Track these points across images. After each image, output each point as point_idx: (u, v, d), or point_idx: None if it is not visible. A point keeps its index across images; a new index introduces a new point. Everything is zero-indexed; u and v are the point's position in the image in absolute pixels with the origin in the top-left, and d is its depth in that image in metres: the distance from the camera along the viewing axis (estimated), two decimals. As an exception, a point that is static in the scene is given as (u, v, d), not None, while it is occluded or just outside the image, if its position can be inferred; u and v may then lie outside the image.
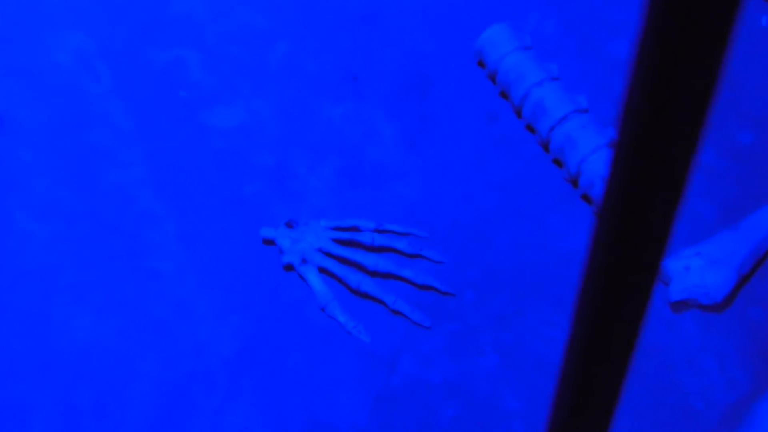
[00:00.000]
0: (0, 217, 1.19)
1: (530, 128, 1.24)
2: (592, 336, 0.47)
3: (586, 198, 1.20)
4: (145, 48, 1.31)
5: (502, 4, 1.34)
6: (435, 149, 1.24)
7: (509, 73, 1.24)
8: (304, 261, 1.15)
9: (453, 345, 1.11)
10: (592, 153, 1.17)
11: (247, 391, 1.09)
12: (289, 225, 1.17)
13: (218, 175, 1.22)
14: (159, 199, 1.20)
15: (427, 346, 1.11)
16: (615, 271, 0.44)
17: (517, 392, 1.08)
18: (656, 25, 0.35)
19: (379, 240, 1.17)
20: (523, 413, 1.07)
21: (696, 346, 1.11)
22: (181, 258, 1.16)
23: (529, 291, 1.14)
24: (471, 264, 1.16)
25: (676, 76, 0.36)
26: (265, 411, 1.08)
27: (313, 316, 1.13)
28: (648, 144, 0.38)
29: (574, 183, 1.20)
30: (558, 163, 1.22)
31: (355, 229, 1.18)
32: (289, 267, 1.16)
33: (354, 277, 1.14)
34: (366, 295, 1.14)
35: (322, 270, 1.16)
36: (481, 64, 1.29)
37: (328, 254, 1.16)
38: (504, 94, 1.27)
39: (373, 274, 1.15)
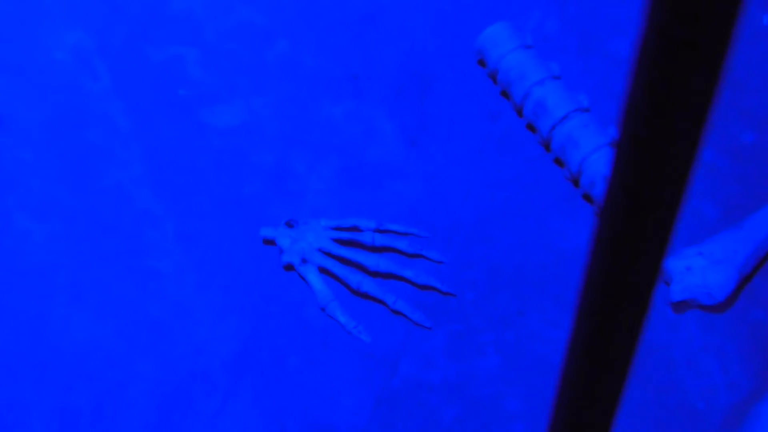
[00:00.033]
0: (-2, 216, 1.19)
1: (531, 127, 1.24)
2: (593, 336, 0.47)
3: (587, 197, 1.19)
4: (144, 46, 1.31)
5: (502, 2, 1.34)
6: (435, 149, 1.24)
7: (510, 72, 1.24)
8: (304, 261, 1.15)
9: (454, 345, 1.11)
10: (593, 152, 1.17)
11: (247, 391, 1.08)
12: (289, 224, 1.17)
13: (217, 174, 1.22)
14: (158, 198, 1.20)
15: (428, 346, 1.11)
16: (616, 271, 0.44)
17: (518, 393, 1.08)
18: (658, 24, 0.35)
19: (380, 240, 1.17)
20: (525, 414, 1.07)
21: (697, 346, 1.11)
22: (180, 258, 1.16)
23: (531, 291, 1.14)
24: (472, 264, 1.16)
25: (678, 74, 0.36)
26: (265, 412, 1.07)
27: (313, 316, 1.13)
28: (650, 143, 0.38)
29: (576, 182, 1.20)
30: (559, 162, 1.22)
31: (356, 228, 1.17)
32: (289, 267, 1.16)
33: (354, 277, 1.14)
34: (366, 296, 1.14)
35: (323, 270, 1.15)
36: (481, 62, 1.29)
37: (329, 254, 1.16)
38: (505, 93, 1.27)
39: (374, 274, 1.15)
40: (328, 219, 1.18)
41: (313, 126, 1.25)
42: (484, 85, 1.28)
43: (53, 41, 1.31)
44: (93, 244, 1.17)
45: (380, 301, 1.14)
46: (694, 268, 1.11)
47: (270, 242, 1.17)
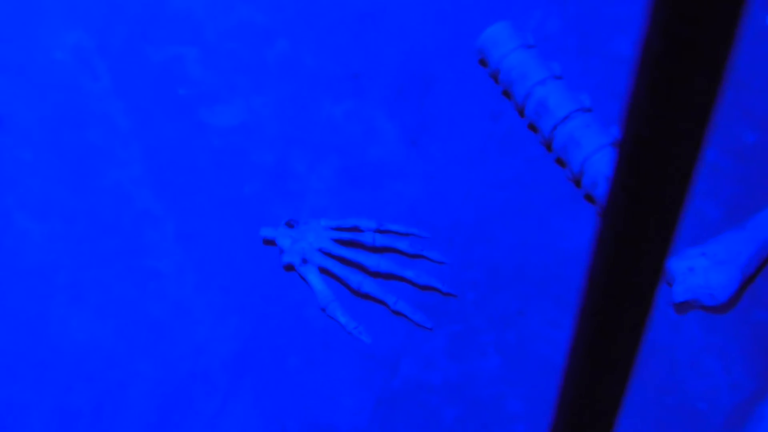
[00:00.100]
0: (-2, 216, 1.19)
1: (533, 127, 1.24)
2: (595, 337, 0.48)
3: (589, 198, 1.19)
4: (144, 46, 1.30)
5: (503, 2, 1.34)
6: (436, 149, 1.24)
7: (511, 72, 1.23)
8: (304, 261, 1.15)
9: (455, 346, 1.11)
10: (595, 152, 1.17)
11: (247, 392, 1.08)
12: (290, 225, 1.16)
13: (217, 174, 1.22)
14: (157, 198, 1.20)
15: (429, 347, 1.11)
16: (619, 272, 0.44)
17: (519, 394, 1.08)
18: (661, 24, 0.35)
19: (381, 240, 1.16)
20: (526, 415, 1.07)
21: (700, 347, 1.10)
22: (180, 258, 1.16)
23: (532, 291, 1.14)
24: (473, 264, 1.16)
25: (681, 75, 0.36)
26: (265, 412, 1.07)
27: (314, 316, 1.13)
28: (653, 143, 0.38)
29: (577, 182, 1.20)
30: (561, 162, 1.22)
31: (356, 229, 1.17)
32: (290, 267, 1.16)
33: (355, 278, 1.14)
34: (367, 296, 1.14)
35: (323, 270, 1.15)
36: (482, 62, 1.29)
37: (329, 254, 1.16)
38: (506, 93, 1.27)
39: (374, 274, 1.15)
40: (328, 219, 1.18)
41: (314, 126, 1.25)
42: (485, 85, 1.28)
43: (53, 41, 1.30)
44: (93, 244, 1.17)
45: (381, 302, 1.13)
46: (697, 268, 1.10)
47: (270, 242, 1.17)
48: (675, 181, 0.40)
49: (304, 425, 1.06)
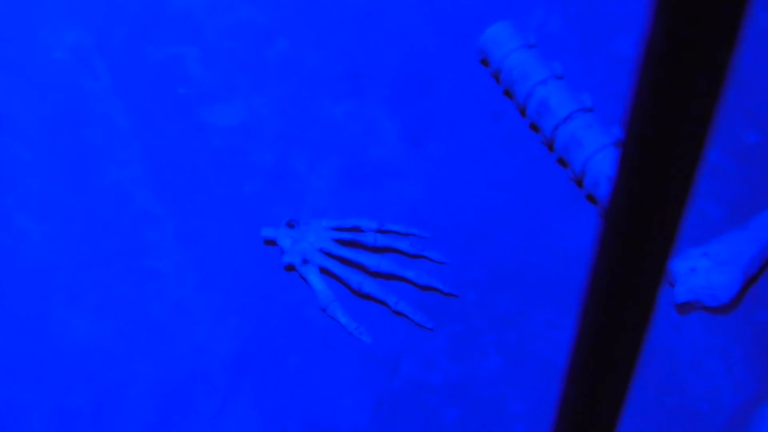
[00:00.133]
0: (-3, 216, 1.19)
1: (534, 127, 1.24)
2: (597, 337, 0.48)
3: (591, 198, 1.19)
4: (144, 45, 1.30)
5: (505, 1, 1.34)
6: (438, 148, 1.24)
7: (513, 72, 1.23)
8: (305, 261, 1.15)
9: (456, 346, 1.10)
10: (597, 152, 1.16)
11: (247, 392, 1.08)
12: (290, 225, 1.16)
13: (218, 174, 1.21)
14: (157, 198, 1.20)
15: (430, 347, 1.10)
16: (621, 273, 0.44)
17: (521, 394, 1.08)
18: (664, 24, 0.35)
19: (381, 240, 1.16)
20: (528, 416, 1.07)
21: (702, 347, 1.10)
22: (180, 258, 1.16)
23: (534, 292, 1.14)
24: (474, 265, 1.15)
25: (683, 74, 0.36)
26: (265, 413, 1.07)
27: (314, 317, 1.13)
28: (655, 143, 0.38)
29: (579, 183, 1.19)
30: (562, 162, 1.21)
31: (357, 229, 1.17)
32: (290, 267, 1.15)
33: (355, 278, 1.13)
34: (368, 296, 1.14)
35: (324, 270, 1.15)
36: (484, 62, 1.29)
37: (330, 254, 1.16)
38: (507, 93, 1.27)
39: (375, 274, 1.15)
40: (329, 219, 1.18)
41: (314, 125, 1.25)
42: (486, 85, 1.28)
43: (53, 40, 1.30)
44: (92, 244, 1.16)
45: (381, 302, 1.13)
46: (699, 269, 1.10)
47: (271, 242, 1.17)
48: (677, 182, 0.40)
49: (304, 425, 1.06)
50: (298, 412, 1.07)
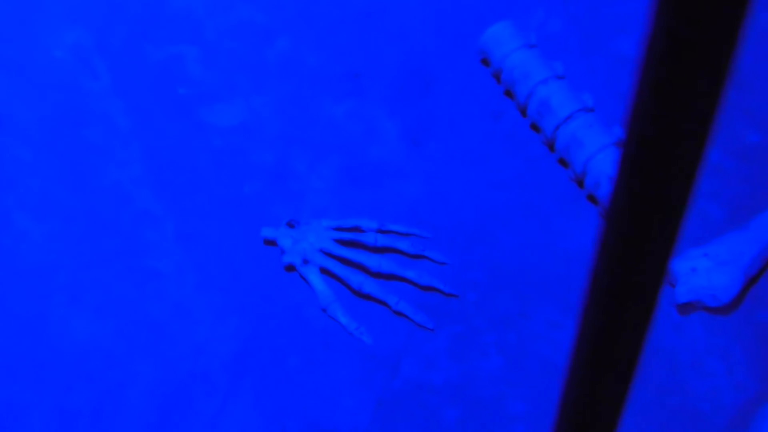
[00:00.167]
0: (-3, 216, 1.19)
1: (535, 127, 1.24)
2: (598, 338, 0.48)
3: (591, 198, 1.19)
4: (144, 45, 1.30)
5: (506, 1, 1.34)
6: (438, 148, 1.24)
7: (514, 71, 1.23)
8: (305, 261, 1.15)
9: (456, 347, 1.10)
10: (598, 152, 1.16)
11: (247, 393, 1.08)
12: (291, 225, 1.16)
13: (218, 174, 1.21)
14: (157, 198, 1.19)
15: (430, 347, 1.10)
16: (622, 273, 0.44)
17: (521, 395, 1.08)
18: (665, 25, 0.35)
19: (382, 240, 1.16)
20: (528, 416, 1.06)
21: (702, 348, 1.10)
22: (180, 258, 1.16)
23: (534, 292, 1.13)
24: (475, 265, 1.15)
25: (684, 75, 0.36)
26: (265, 413, 1.07)
27: (315, 317, 1.13)
28: (656, 143, 0.39)
29: (580, 183, 1.19)
30: (563, 162, 1.21)
31: (358, 229, 1.17)
32: (291, 267, 1.15)
33: (356, 278, 1.13)
34: (368, 297, 1.13)
35: (324, 270, 1.15)
36: (485, 62, 1.29)
37: (330, 255, 1.16)
38: (508, 93, 1.26)
39: (376, 275, 1.15)
40: (329, 219, 1.18)
41: (314, 125, 1.25)
42: (487, 85, 1.28)
43: (52, 40, 1.30)
44: (92, 244, 1.16)
45: (382, 302, 1.13)
46: (700, 269, 1.10)
47: (271, 243, 1.17)
48: (678, 182, 0.40)
49: (304, 426, 1.06)
50: (299, 413, 1.07)
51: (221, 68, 1.29)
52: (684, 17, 0.34)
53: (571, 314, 1.12)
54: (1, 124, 1.24)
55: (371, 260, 1.14)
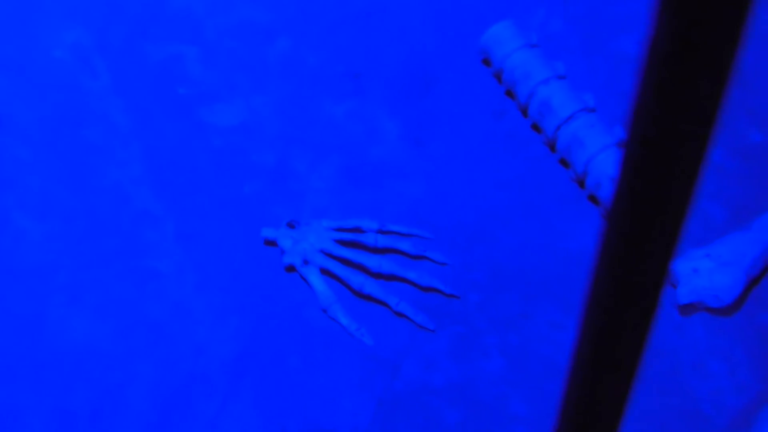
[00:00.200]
0: (-3, 216, 1.18)
1: (536, 127, 1.24)
2: (599, 339, 0.48)
3: (593, 199, 1.19)
4: (144, 44, 1.30)
5: (507, 1, 1.34)
6: (439, 149, 1.23)
7: (515, 71, 1.23)
8: (305, 262, 1.15)
9: (457, 348, 1.10)
10: (599, 153, 1.16)
11: (247, 394, 1.08)
12: (291, 225, 1.16)
13: (218, 174, 1.21)
14: (157, 198, 1.19)
15: (431, 349, 1.10)
16: (623, 274, 0.45)
17: (523, 396, 1.07)
18: (667, 25, 0.35)
19: (383, 241, 1.16)
20: (530, 418, 1.06)
21: (704, 349, 1.10)
22: (180, 258, 1.15)
23: (535, 293, 1.13)
24: (476, 265, 1.15)
25: (686, 75, 0.36)
26: (265, 415, 1.07)
27: (315, 318, 1.12)
28: (658, 144, 0.39)
29: (581, 183, 1.19)
30: (564, 163, 1.21)
31: (358, 230, 1.17)
32: (291, 268, 1.15)
33: (357, 279, 1.13)
34: (369, 297, 1.13)
35: (324, 271, 1.15)
36: (486, 62, 1.29)
37: (331, 255, 1.15)
38: (509, 93, 1.26)
39: (376, 275, 1.14)
40: (330, 220, 1.17)
41: (315, 125, 1.25)
42: (488, 84, 1.27)
43: (52, 39, 1.30)
44: (91, 244, 1.16)
45: (383, 303, 1.13)
46: (701, 270, 1.10)
47: (271, 243, 1.16)
48: (680, 182, 0.40)
49: (304, 427, 1.06)
50: (299, 414, 1.07)
51: (221, 68, 1.29)
52: (686, 17, 0.34)
53: (573, 315, 1.11)
54: (1, 124, 1.24)
55: (372, 261, 1.14)
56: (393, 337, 1.11)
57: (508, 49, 1.24)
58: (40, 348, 1.10)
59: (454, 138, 1.24)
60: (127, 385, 1.08)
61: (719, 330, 1.11)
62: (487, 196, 1.20)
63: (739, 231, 1.14)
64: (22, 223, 1.18)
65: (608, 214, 0.42)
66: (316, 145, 1.23)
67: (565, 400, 0.52)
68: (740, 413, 1.06)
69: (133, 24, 1.32)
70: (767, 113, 1.25)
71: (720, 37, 0.35)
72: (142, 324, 1.12)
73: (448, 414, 1.07)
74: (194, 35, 1.31)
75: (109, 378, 1.09)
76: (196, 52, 1.30)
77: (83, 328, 1.11)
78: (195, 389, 1.08)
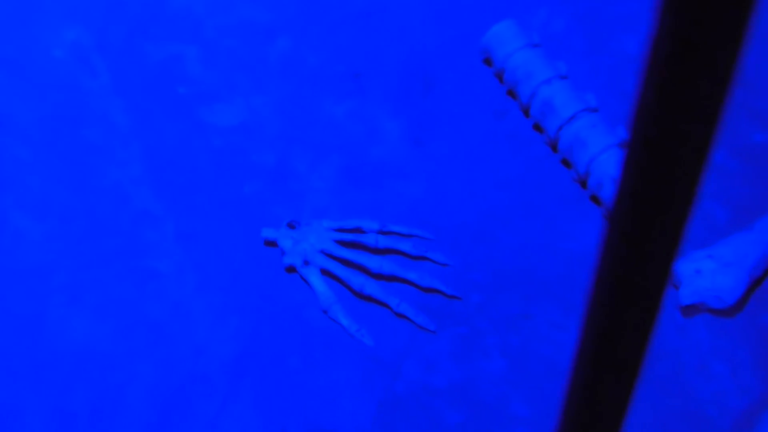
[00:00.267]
0: (-3, 216, 1.18)
1: (538, 127, 1.23)
2: (602, 340, 0.48)
3: (594, 199, 1.18)
4: (144, 44, 1.30)
5: (509, 0, 1.33)
6: (440, 149, 1.23)
7: (516, 71, 1.23)
8: (306, 263, 1.14)
9: (459, 349, 1.10)
10: (601, 153, 1.16)
11: (247, 395, 1.08)
12: (291, 226, 1.16)
13: (218, 174, 1.21)
14: (157, 198, 1.19)
15: (432, 350, 1.10)
16: (625, 274, 0.44)
17: (524, 397, 1.07)
18: (669, 26, 0.35)
19: (383, 241, 1.16)
20: (531, 419, 1.06)
21: (707, 350, 1.10)
22: (180, 258, 1.15)
23: (537, 293, 1.13)
24: (477, 266, 1.15)
25: (689, 75, 0.36)
26: (265, 415, 1.06)
27: (315, 318, 1.12)
28: (660, 144, 0.38)
29: (583, 184, 1.19)
30: (566, 163, 1.21)
31: (359, 230, 1.17)
32: (291, 269, 1.15)
33: (357, 280, 1.13)
34: (369, 298, 1.13)
35: (325, 272, 1.14)
36: (487, 61, 1.28)
37: (331, 256, 1.15)
38: (511, 93, 1.26)
39: (377, 276, 1.14)
40: (330, 220, 1.17)
41: (315, 125, 1.25)
42: (489, 84, 1.27)
43: (52, 38, 1.30)
44: (91, 244, 1.16)
45: (383, 304, 1.13)
46: (704, 271, 1.10)
47: (271, 243, 1.16)
48: (682, 183, 0.40)
49: (304, 428, 1.06)
50: (299, 415, 1.07)
51: (221, 68, 1.29)
52: (688, 17, 0.34)
53: (574, 316, 1.11)
54: (1, 124, 1.24)
55: (372, 261, 1.14)
56: (394, 338, 1.11)
57: (510, 49, 1.24)
58: (40, 348, 1.10)
59: (455, 138, 1.24)
60: (127, 385, 1.08)
61: (722, 331, 1.10)
62: (489, 197, 1.20)
63: (741, 232, 1.13)
64: (22, 223, 1.18)
65: (610, 214, 0.42)
66: (316, 145, 1.23)
67: (567, 402, 0.52)
68: (743, 415, 1.06)
69: (133, 24, 1.32)
70: (770, 113, 1.25)
71: (722, 37, 0.35)
72: (142, 324, 1.11)
73: (449, 415, 1.06)
74: (194, 35, 1.31)
75: (109, 378, 1.08)
76: (196, 52, 1.30)
77: (83, 328, 1.11)
78: (195, 389, 1.08)
